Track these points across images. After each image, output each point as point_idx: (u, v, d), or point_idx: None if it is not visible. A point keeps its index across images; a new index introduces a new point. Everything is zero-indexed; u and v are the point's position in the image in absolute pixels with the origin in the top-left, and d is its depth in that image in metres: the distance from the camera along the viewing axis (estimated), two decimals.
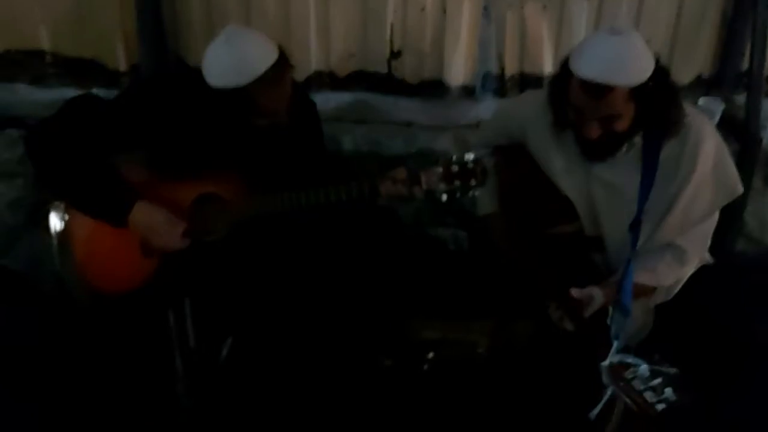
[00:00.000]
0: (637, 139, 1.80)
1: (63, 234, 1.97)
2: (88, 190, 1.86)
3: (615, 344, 1.56)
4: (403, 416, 2.11)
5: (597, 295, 1.82)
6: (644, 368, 1.45)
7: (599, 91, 1.66)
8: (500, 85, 2.80)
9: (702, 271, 1.98)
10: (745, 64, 2.68)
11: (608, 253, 1.97)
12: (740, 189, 1.86)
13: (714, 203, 1.87)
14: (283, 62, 1.82)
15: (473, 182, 1.79)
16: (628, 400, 1.43)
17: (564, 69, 1.74)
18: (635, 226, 1.81)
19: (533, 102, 1.97)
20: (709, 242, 1.94)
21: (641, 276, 1.82)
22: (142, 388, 2.11)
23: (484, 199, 2.17)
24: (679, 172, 1.80)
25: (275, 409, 2.10)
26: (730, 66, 2.75)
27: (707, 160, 1.80)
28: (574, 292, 1.80)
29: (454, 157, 1.79)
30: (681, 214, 1.83)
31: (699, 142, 1.79)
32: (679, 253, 1.88)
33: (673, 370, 1.45)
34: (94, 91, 2.73)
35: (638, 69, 1.66)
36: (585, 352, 1.73)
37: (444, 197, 1.81)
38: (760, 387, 2.14)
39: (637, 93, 1.67)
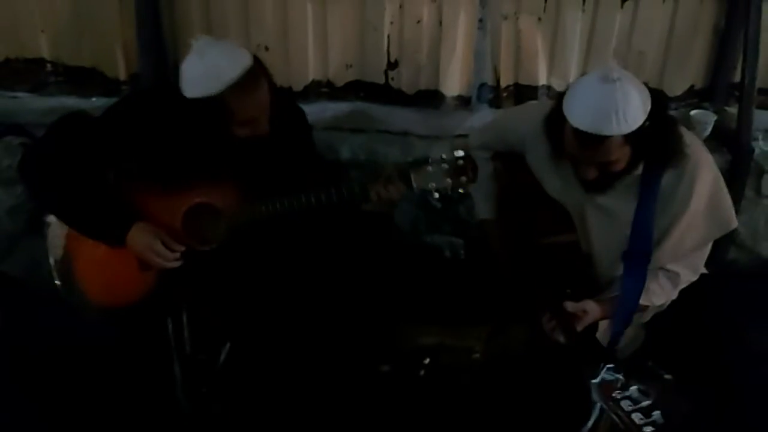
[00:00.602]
0: (637, 170, 1.78)
1: (62, 248, 1.99)
2: (85, 212, 1.87)
3: (603, 365, 1.55)
4: (400, 422, 2.11)
5: (591, 309, 1.83)
6: (633, 389, 1.46)
7: (592, 141, 1.63)
8: (495, 95, 2.83)
9: (694, 280, 1.99)
10: (737, 76, 2.70)
11: (597, 272, 1.97)
12: (734, 223, 1.85)
13: (706, 237, 1.86)
14: (256, 69, 1.80)
15: (464, 179, 1.79)
16: (616, 419, 1.43)
17: (558, 107, 1.71)
18: (628, 257, 1.81)
19: (533, 118, 1.92)
20: (702, 266, 1.93)
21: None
22: (141, 394, 2.12)
23: (482, 204, 2.18)
24: (673, 205, 1.78)
25: (273, 414, 2.11)
26: (722, 77, 2.78)
27: (701, 197, 1.78)
28: (569, 305, 1.81)
29: (444, 155, 1.79)
30: (672, 245, 1.83)
31: (695, 178, 1.76)
32: (672, 276, 1.89)
33: (668, 377, 1.47)
34: (94, 99, 2.79)
35: (631, 117, 1.61)
36: (575, 363, 1.75)
37: (436, 195, 1.81)
38: (751, 395, 2.16)
39: (632, 137, 1.63)
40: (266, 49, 2.72)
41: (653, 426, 1.38)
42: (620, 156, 1.68)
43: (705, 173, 1.78)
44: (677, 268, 1.88)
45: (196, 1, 2.70)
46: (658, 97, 1.69)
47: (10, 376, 2.21)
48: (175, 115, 1.86)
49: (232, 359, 2.12)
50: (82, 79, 2.81)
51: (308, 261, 2.07)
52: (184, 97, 1.81)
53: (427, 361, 2.20)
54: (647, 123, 1.64)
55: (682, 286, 1.92)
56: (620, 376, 1.50)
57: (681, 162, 1.74)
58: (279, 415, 2.11)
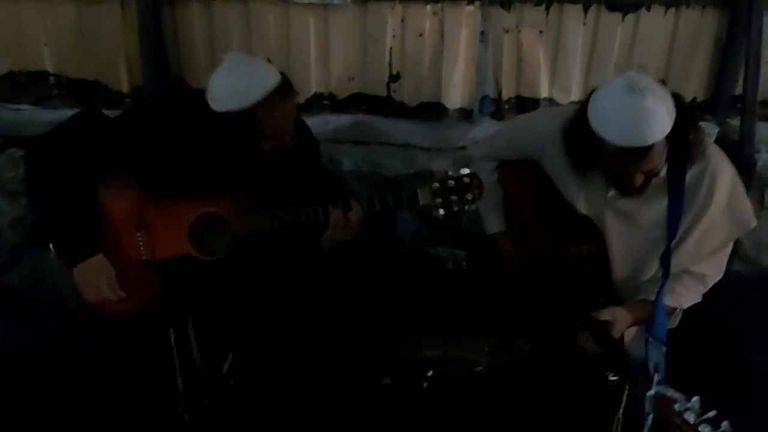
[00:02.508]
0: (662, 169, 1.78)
1: None
2: (62, 219, 1.87)
3: (656, 376, 1.56)
4: None
5: (621, 315, 1.82)
6: (695, 400, 1.44)
7: (639, 153, 1.64)
8: (497, 108, 2.84)
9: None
10: (739, 88, 2.71)
11: (615, 278, 1.96)
12: (753, 222, 1.85)
13: (727, 237, 1.86)
14: (285, 85, 1.86)
15: (469, 196, 1.80)
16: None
17: (579, 124, 1.72)
18: (666, 258, 1.80)
19: (551, 123, 1.91)
20: (725, 264, 1.92)
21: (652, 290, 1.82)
22: (143, 405, 2.11)
23: (491, 217, 2.17)
24: (694, 204, 1.79)
25: (275, 425, 2.10)
26: (724, 90, 2.78)
27: (722, 195, 1.79)
28: (601, 314, 1.80)
29: (450, 173, 1.81)
30: (693, 246, 1.83)
31: (715, 176, 1.77)
32: (698, 276, 1.88)
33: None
34: None
35: (666, 118, 1.62)
36: (588, 372, 1.75)
37: (441, 212, 1.82)
38: (755, 407, 2.15)
39: (670, 135, 1.64)
40: (269, 62, 2.71)
41: None
42: (663, 157, 1.70)
43: (724, 172, 1.80)
44: (702, 269, 1.87)
45: (199, 14, 2.72)
46: (673, 93, 1.70)
47: (13, 387, 2.21)
48: (192, 125, 1.90)
49: (235, 371, 2.09)
50: (85, 91, 2.83)
51: (311, 273, 2.06)
52: (205, 107, 1.84)
53: (430, 373, 2.19)
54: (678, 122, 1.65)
55: (710, 285, 1.91)
56: (671, 389, 1.50)
57: (701, 161, 1.75)
58: (282, 426, 2.10)
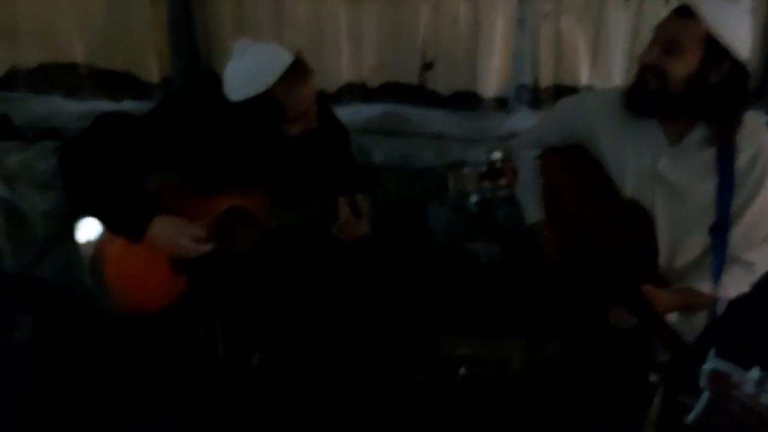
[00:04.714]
0: (702, 129, 1.76)
1: (95, 253, 1.99)
2: (108, 204, 1.88)
3: (712, 350, 1.49)
4: None
5: (662, 296, 1.79)
6: (754, 372, 1.37)
7: (678, 12, 1.68)
8: (534, 96, 2.78)
9: None
10: None
11: (659, 264, 1.91)
12: None
13: None
14: (300, 63, 1.85)
15: (502, 182, 1.77)
16: (736, 408, 1.36)
17: None
18: (717, 230, 1.76)
19: (602, 99, 1.96)
20: None
21: (705, 286, 1.78)
22: (171, 399, 2.13)
23: (532, 206, 2.13)
24: (745, 187, 1.74)
25: (303, 422, 2.10)
26: None
27: None
28: (646, 291, 1.77)
29: (482, 158, 1.78)
30: (745, 229, 1.78)
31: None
32: (747, 266, 1.82)
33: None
34: (127, 103, 2.83)
35: (730, 26, 1.65)
36: (622, 367, 1.74)
37: (473, 198, 1.78)
38: None
39: (708, 45, 1.65)
40: (300, 52, 2.71)
41: None
42: (687, 49, 1.68)
43: None
44: (752, 257, 1.82)
45: (229, 3, 2.72)
46: (743, 67, 1.71)
47: (41, 380, 2.22)
48: (219, 118, 1.90)
49: (264, 366, 2.12)
50: (115, 82, 2.84)
51: (343, 268, 2.05)
52: (225, 102, 1.84)
53: (462, 371, 2.16)
54: (727, 62, 1.66)
55: (759, 275, 1.85)
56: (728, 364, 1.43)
57: (751, 136, 1.74)
58: (311, 422, 2.09)
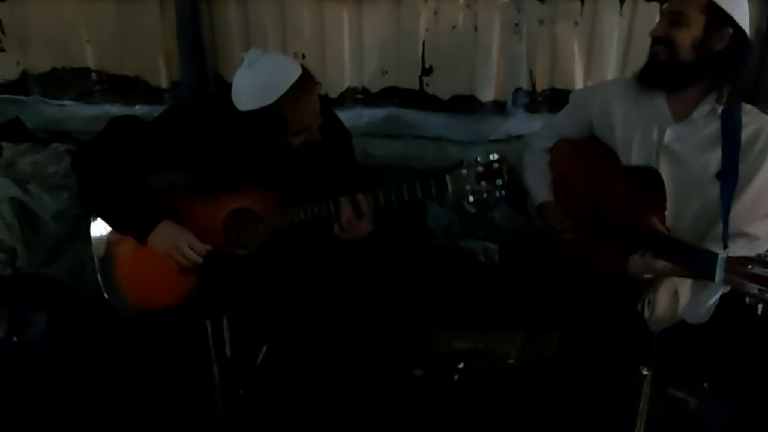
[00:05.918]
0: (707, 105, 1.81)
1: (105, 251, 2.05)
2: (118, 205, 1.93)
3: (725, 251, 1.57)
4: (434, 426, 2.11)
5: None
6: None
7: None
8: (531, 100, 2.82)
9: None
10: None
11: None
12: None
13: None
14: (307, 77, 1.85)
15: (499, 182, 1.76)
16: (753, 291, 1.42)
17: None
18: (725, 176, 1.78)
19: (616, 83, 2.09)
20: None
21: (712, 245, 1.75)
22: (178, 396, 2.16)
23: (539, 189, 2.14)
24: (748, 160, 1.78)
25: (307, 416, 2.13)
26: (766, 80, 2.69)
27: None
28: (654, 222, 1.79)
29: (479, 158, 1.77)
30: (750, 202, 1.79)
31: None
32: (751, 238, 1.82)
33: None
34: (137, 107, 2.87)
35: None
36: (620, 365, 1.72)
37: (471, 199, 1.79)
38: None
39: (710, 13, 1.74)
40: (303, 57, 2.76)
41: None
42: (691, 18, 1.76)
43: None
44: (756, 230, 1.82)
45: (235, 10, 2.75)
46: (746, 37, 1.78)
47: (54, 377, 2.26)
48: (226, 122, 1.90)
49: (269, 362, 2.14)
50: (125, 87, 2.89)
51: (344, 265, 2.07)
52: (233, 107, 1.85)
53: (461, 366, 2.19)
54: (731, 30, 1.74)
55: (762, 250, 1.85)
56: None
57: (757, 122, 1.79)
58: (313, 417, 2.12)
